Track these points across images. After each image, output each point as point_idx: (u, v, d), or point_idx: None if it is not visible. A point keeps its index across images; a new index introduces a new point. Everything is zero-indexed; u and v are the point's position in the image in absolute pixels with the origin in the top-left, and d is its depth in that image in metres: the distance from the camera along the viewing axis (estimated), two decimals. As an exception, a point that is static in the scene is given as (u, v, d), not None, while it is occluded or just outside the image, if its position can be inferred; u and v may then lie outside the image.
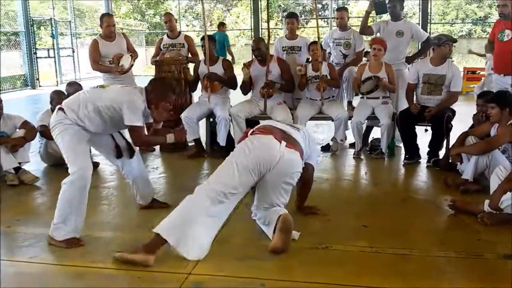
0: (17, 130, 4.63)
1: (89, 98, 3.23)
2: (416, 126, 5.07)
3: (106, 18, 5.66)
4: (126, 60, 5.51)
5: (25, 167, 4.60)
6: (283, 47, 5.85)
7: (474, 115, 4.63)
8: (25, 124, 4.66)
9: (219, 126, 5.32)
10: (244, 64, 5.51)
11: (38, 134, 4.77)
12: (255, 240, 3.09)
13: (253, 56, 5.56)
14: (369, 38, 6.34)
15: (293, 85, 5.52)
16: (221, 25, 12.44)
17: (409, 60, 5.76)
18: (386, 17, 5.99)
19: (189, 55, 6.01)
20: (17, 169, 4.47)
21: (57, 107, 3.27)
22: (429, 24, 13.20)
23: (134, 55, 5.67)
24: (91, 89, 3.41)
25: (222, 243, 3.03)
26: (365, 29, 5.68)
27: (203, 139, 5.62)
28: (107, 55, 5.57)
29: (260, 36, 14.80)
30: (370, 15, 5.87)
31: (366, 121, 5.44)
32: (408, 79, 5.20)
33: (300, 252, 2.94)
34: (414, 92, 5.10)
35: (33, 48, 14.59)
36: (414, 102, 5.07)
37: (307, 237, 3.13)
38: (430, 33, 11.58)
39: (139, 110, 3.19)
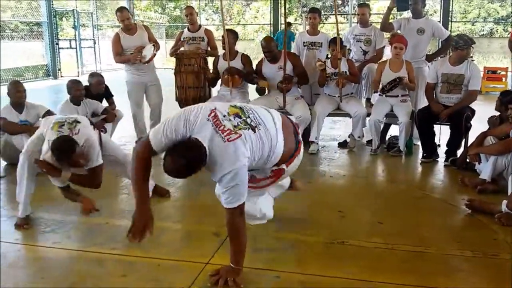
0: (40, 119, 4.73)
1: None
2: (434, 125, 5.05)
3: (119, 14, 5.68)
4: (148, 50, 5.57)
5: (48, 155, 4.70)
6: (304, 42, 5.86)
7: (489, 118, 4.58)
8: (48, 113, 4.74)
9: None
10: (256, 77, 5.48)
11: None
12: (271, 232, 3.14)
13: (263, 56, 5.55)
14: (389, 34, 6.33)
15: (307, 77, 5.49)
16: (289, 24, 12.99)
17: (429, 58, 5.72)
18: (407, 14, 5.96)
19: (209, 49, 6.06)
20: (40, 157, 4.57)
21: None
22: (450, 23, 13.05)
23: (156, 45, 5.73)
24: None
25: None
26: (386, 26, 5.65)
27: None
28: (129, 48, 5.62)
29: (280, 30, 14.83)
30: (392, 12, 5.84)
31: (384, 118, 5.44)
32: (428, 79, 5.17)
33: (316, 247, 2.98)
34: (434, 91, 5.08)
35: (55, 38, 14.80)
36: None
37: (322, 232, 3.17)
38: (451, 31, 11.45)
39: None
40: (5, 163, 4.80)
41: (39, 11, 15.07)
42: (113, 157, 3.62)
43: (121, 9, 5.78)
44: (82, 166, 3.24)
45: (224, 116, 2.41)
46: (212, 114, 2.39)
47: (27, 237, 3.08)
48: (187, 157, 2.28)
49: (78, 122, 3.36)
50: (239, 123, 2.41)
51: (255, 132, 2.44)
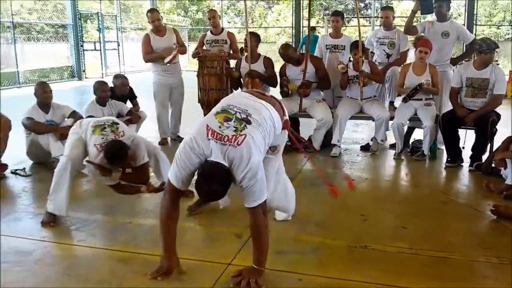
0: (66, 119, 4.81)
1: None
2: (459, 129, 4.98)
3: (149, 14, 5.86)
4: (174, 50, 5.73)
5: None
6: (326, 45, 5.84)
7: None
8: (73, 114, 4.83)
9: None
10: (284, 80, 5.48)
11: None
12: (294, 235, 3.14)
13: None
14: (413, 37, 6.27)
15: (329, 82, 5.48)
16: (313, 28, 13.36)
17: (454, 62, 5.66)
18: (431, 17, 5.90)
19: (231, 52, 6.09)
20: (65, 157, 4.65)
21: None
22: (474, 26, 12.83)
23: (180, 48, 5.82)
24: None
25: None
26: (409, 29, 5.60)
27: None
28: (158, 49, 5.76)
29: (301, 33, 14.80)
30: (416, 15, 5.79)
31: (407, 122, 5.39)
32: (452, 83, 5.10)
33: (338, 250, 2.97)
34: (458, 95, 5.01)
35: (80, 40, 15.06)
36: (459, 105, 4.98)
37: (345, 235, 3.15)
38: (475, 35, 11.27)
39: None
40: (32, 162, 4.89)
41: (64, 14, 15.37)
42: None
43: (152, 10, 5.98)
44: (132, 167, 3.37)
45: (220, 127, 2.44)
46: (209, 132, 2.42)
47: (54, 235, 3.13)
48: (216, 181, 2.38)
49: (117, 123, 3.51)
50: (235, 126, 2.45)
51: (250, 123, 2.49)
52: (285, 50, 5.44)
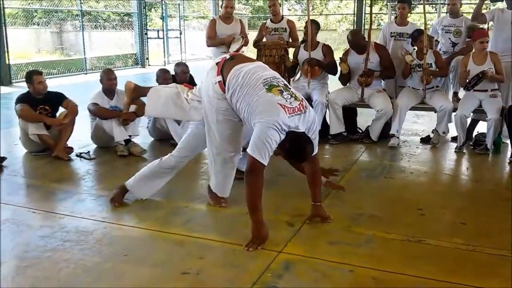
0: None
1: None
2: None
3: (226, 1, 5.94)
4: (238, 41, 5.77)
5: (135, 140, 4.97)
6: (391, 32, 5.71)
7: None
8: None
9: (315, 110, 5.33)
10: (341, 58, 5.45)
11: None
12: (347, 227, 3.12)
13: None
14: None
15: (393, 72, 5.38)
16: None
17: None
18: (501, 5, 5.60)
19: (290, 40, 6.07)
20: (127, 141, 4.84)
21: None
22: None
23: (245, 39, 5.87)
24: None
25: (315, 227, 3.11)
26: (478, 17, 5.35)
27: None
28: (222, 35, 5.87)
29: (363, 20, 14.49)
30: (485, 2, 5.51)
31: (471, 114, 5.18)
32: (522, 73, 4.85)
33: (392, 243, 2.92)
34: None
35: (144, 29, 15.49)
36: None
37: (400, 229, 3.09)
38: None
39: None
40: (96, 146, 5.12)
41: (129, 2, 15.85)
42: None
43: None
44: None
45: (287, 101, 2.78)
46: (286, 110, 2.75)
47: (114, 217, 3.28)
48: (307, 142, 2.85)
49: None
50: (291, 95, 2.84)
51: (290, 87, 2.99)
52: (355, 36, 5.38)
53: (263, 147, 2.71)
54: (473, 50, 5.08)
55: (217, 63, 3.12)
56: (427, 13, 14.65)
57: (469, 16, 5.61)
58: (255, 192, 2.82)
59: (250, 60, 3.20)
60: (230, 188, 3.43)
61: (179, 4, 18.19)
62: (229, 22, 5.96)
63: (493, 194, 3.90)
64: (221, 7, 6.05)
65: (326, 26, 22.74)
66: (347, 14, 21.44)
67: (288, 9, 23.96)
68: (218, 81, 3.04)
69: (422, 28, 5.24)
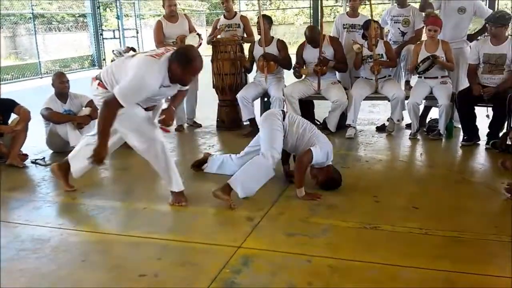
0: (83, 108, 4.91)
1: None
2: (476, 107, 4.90)
3: (168, 1, 5.75)
4: (192, 39, 5.62)
5: (90, 143, 4.87)
6: (343, 24, 5.80)
7: None
8: (91, 103, 4.90)
9: (273, 106, 5.38)
10: (296, 66, 5.51)
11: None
12: (305, 218, 3.17)
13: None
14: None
15: (346, 65, 5.48)
16: None
17: (471, 38, 5.53)
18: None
19: (245, 35, 6.08)
20: (83, 145, 4.75)
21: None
22: (497, 0, 12.44)
23: (199, 35, 5.80)
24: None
25: (272, 220, 3.15)
26: (425, 6, 5.49)
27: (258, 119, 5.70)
28: (171, 36, 5.75)
29: (319, 13, 14.63)
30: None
31: (423, 101, 5.32)
32: (469, 60, 5.01)
33: (348, 231, 2.99)
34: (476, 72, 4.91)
35: (100, 29, 15.19)
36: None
37: (355, 216, 3.17)
38: (498, 9, 10.93)
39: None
40: (51, 151, 5.01)
41: (83, 3, 15.50)
42: None
43: None
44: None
45: None
46: None
47: (70, 222, 3.22)
48: None
49: None
50: None
51: None
52: (311, 32, 5.43)
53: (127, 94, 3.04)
54: (425, 38, 5.23)
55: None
56: (381, 3, 14.95)
57: (417, 6, 5.74)
58: (110, 121, 3.10)
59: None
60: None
61: (134, 3, 17.91)
62: (175, 20, 5.81)
63: (446, 178, 4.03)
64: (163, 7, 5.84)
65: (284, 20, 22.84)
66: (303, 7, 21.60)
67: (246, 4, 23.91)
68: None
69: (368, 19, 5.35)
